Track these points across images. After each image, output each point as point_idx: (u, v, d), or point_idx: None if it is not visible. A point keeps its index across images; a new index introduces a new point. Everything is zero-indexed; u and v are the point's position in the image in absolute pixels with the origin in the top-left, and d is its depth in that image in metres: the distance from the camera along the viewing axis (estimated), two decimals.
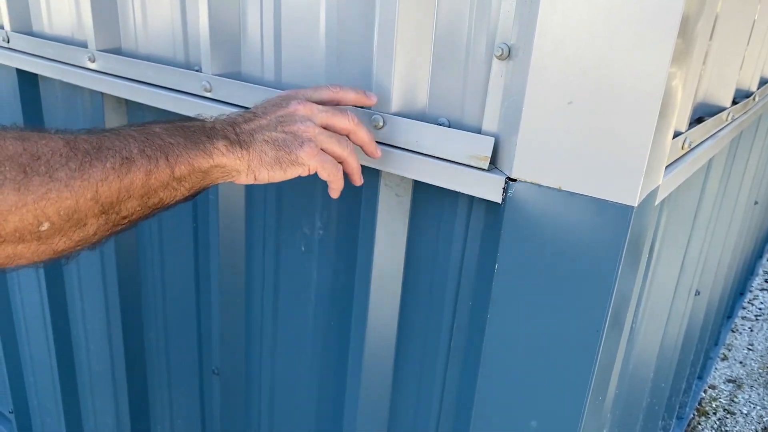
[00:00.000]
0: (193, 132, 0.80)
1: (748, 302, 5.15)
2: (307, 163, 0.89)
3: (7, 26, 1.78)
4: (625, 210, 0.84)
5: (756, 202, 3.46)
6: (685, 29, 0.80)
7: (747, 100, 1.84)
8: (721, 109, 1.54)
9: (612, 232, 0.85)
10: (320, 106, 0.94)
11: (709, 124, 1.40)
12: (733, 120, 1.65)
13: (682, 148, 1.19)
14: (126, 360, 1.88)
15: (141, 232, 1.74)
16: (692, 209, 1.72)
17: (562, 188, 0.88)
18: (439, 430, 1.22)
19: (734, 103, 1.73)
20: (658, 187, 0.95)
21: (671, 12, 0.76)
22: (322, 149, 0.91)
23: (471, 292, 1.08)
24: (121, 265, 1.77)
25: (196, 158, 0.78)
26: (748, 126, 2.19)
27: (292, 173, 0.89)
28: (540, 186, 0.90)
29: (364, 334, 1.22)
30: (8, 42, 1.80)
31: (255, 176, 0.87)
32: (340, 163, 0.97)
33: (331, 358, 1.38)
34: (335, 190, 1.00)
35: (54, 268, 2.06)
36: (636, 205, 0.84)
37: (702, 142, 1.37)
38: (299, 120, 0.90)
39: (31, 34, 1.79)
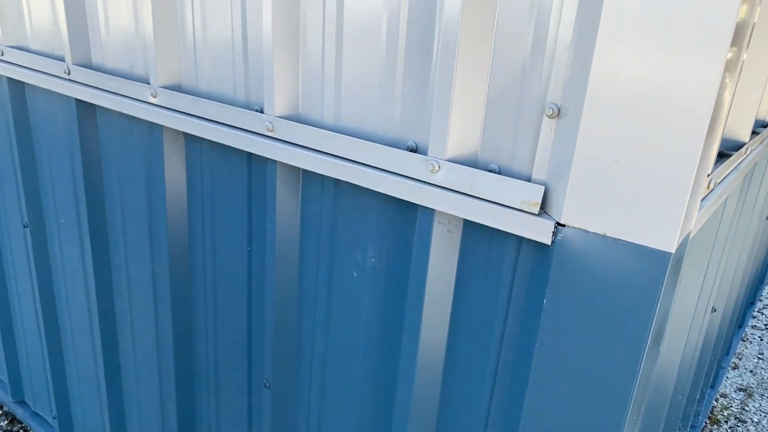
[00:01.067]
0: None
1: (758, 311, 5.24)
2: None
3: (68, 59, 1.91)
4: (663, 256, 0.95)
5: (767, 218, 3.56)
6: (717, 113, 0.91)
7: (765, 130, 1.95)
8: (741, 144, 1.64)
9: (651, 275, 0.96)
10: None
11: (730, 160, 1.51)
12: (751, 152, 1.76)
13: (708, 187, 1.30)
14: (175, 372, 2.00)
15: (194, 249, 1.86)
16: (712, 234, 1.83)
17: (607, 234, 0.99)
18: None
19: (753, 133, 1.84)
20: (690, 232, 1.07)
21: (707, 91, 0.87)
22: None
23: (519, 323, 1.20)
24: (173, 281, 1.89)
25: None
26: (764, 149, 2.30)
27: None
28: (587, 231, 1.01)
29: (416, 357, 1.34)
30: (69, 74, 1.92)
31: None
32: None
33: (381, 379, 1.50)
34: None
35: (103, 278, 2.19)
36: (674, 251, 0.95)
37: (724, 177, 1.48)
38: None
39: (90, 67, 1.91)
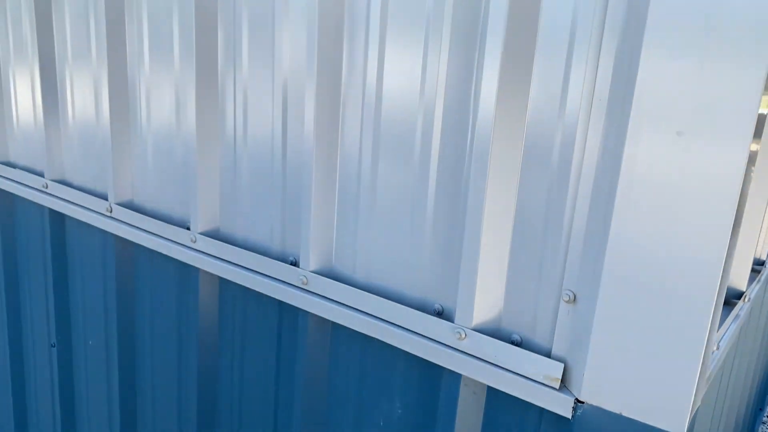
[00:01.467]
0: None
1: (767, 417, 5.19)
2: None
3: (111, 198, 2.06)
4: None
5: None
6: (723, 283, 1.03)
7: (763, 269, 2.07)
8: (740, 294, 1.76)
9: None
10: None
11: (732, 313, 1.62)
12: (750, 299, 1.87)
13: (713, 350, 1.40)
14: None
15: (221, 383, 1.93)
16: (717, 381, 1.91)
17: (623, 414, 1.09)
18: None
19: (752, 271, 1.95)
20: (699, 406, 1.16)
21: (712, 272, 0.99)
22: None
23: None
24: (200, 412, 1.96)
25: None
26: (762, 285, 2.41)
27: None
28: (604, 410, 1.10)
29: None
30: (111, 212, 2.07)
31: None
32: None
33: None
34: None
35: (128, 401, 2.25)
36: None
37: (727, 330, 1.58)
38: None
39: (131, 206, 2.06)
